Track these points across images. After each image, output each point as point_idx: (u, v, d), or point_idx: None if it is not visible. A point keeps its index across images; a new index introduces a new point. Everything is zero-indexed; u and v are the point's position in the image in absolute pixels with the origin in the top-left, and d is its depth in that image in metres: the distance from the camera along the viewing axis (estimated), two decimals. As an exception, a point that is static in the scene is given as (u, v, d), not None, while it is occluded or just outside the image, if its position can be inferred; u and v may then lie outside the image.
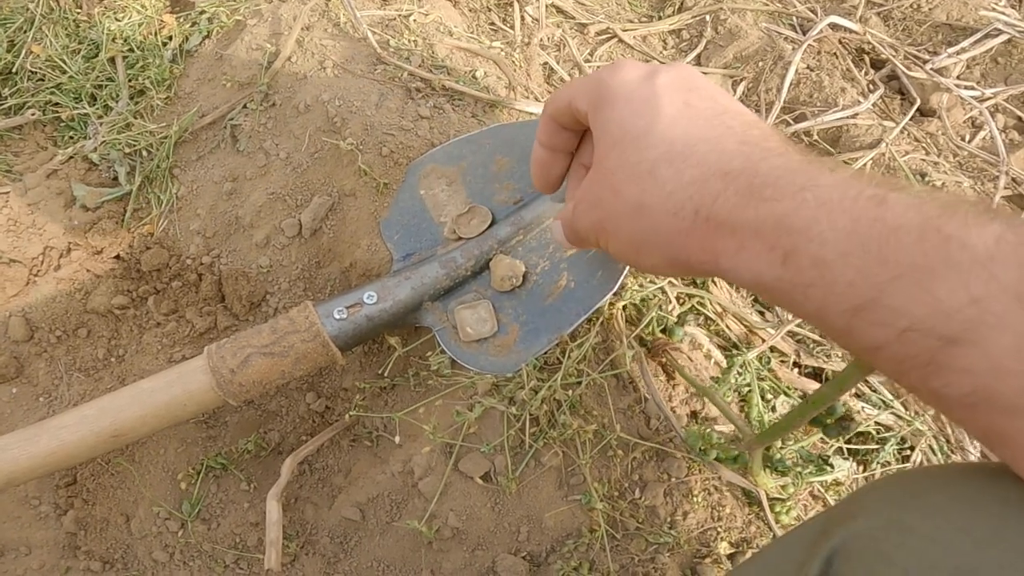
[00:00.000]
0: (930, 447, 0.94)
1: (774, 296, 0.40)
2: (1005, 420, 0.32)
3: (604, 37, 1.19)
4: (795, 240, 0.37)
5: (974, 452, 0.96)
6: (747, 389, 0.88)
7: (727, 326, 0.91)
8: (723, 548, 0.79)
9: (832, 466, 0.85)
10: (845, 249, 0.35)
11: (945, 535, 0.33)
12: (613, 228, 0.49)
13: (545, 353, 0.77)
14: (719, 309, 0.91)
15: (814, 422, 0.71)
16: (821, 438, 0.89)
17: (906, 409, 0.96)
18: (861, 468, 0.94)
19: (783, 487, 0.82)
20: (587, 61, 1.13)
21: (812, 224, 0.36)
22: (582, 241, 0.56)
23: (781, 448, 0.84)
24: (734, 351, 0.90)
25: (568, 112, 0.54)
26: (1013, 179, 1.12)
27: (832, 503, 0.89)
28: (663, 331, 0.85)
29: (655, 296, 0.84)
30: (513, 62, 1.00)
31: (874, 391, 0.96)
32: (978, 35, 1.24)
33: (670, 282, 0.86)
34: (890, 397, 0.95)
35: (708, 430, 0.79)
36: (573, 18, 1.19)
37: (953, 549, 0.32)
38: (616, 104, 0.47)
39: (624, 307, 0.82)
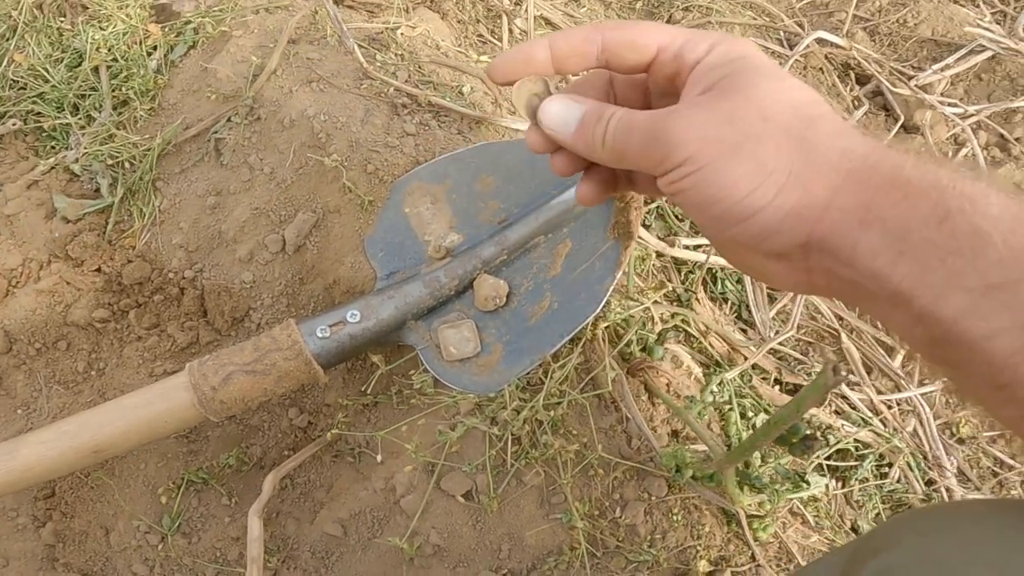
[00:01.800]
0: (907, 464, 0.96)
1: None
2: None
3: (592, 49, 1.18)
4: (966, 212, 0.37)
5: (951, 469, 0.97)
6: (728, 407, 0.88)
7: (710, 344, 0.92)
8: (702, 566, 0.79)
9: (808, 483, 0.86)
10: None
11: (977, 569, 0.34)
12: (750, 149, 0.41)
13: (528, 373, 0.77)
14: (703, 327, 0.91)
15: (780, 441, 0.72)
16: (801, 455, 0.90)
17: (884, 426, 0.97)
18: (840, 484, 0.95)
19: (760, 504, 0.83)
20: (575, 74, 1.13)
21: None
22: (646, 157, 0.45)
23: (760, 466, 0.85)
24: (716, 369, 0.91)
25: (643, 45, 0.47)
26: (994, 197, 1.13)
27: (811, 520, 0.90)
28: (643, 350, 0.85)
29: (638, 316, 0.85)
30: (500, 76, 1.00)
31: (854, 408, 0.97)
32: (962, 51, 1.25)
33: (655, 301, 0.86)
34: (869, 415, 0.96)
35: (682, 450, 0.80)
36: (561, 30, 1.19)
37: None
38: (766, 66, 0.43)
39: (607, 327, 0.82)
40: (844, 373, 0.41)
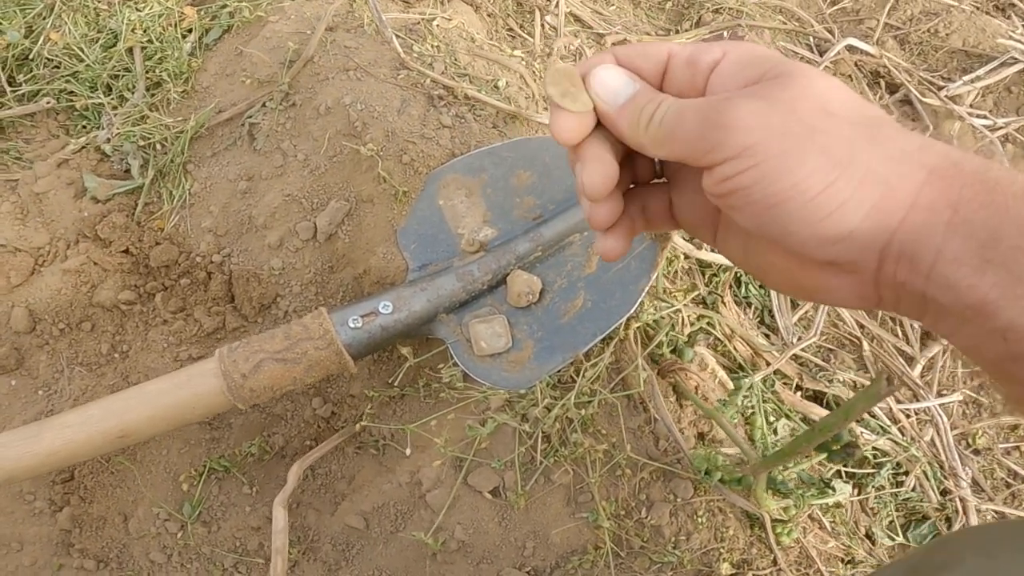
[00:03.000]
0: (924, 473, 0.96)
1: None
2: None
3: (622, 48, 1.18)
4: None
5: (966, 480, 0.97)
6: (751, 411, 0.88)
7: (734, 347, 0.91)
8: (725, 569, 0.79)
9: (834, 489, 0.86)
10: None
11: None
12: (821, 141, 0.37)
13: (559, 371, 0.77)
14: (727, 331, 0.91)
15: (820, 448, 0.72)
16: (819, 461, 0.90)
17: (902, 435, 0.97)
18: (856, 491, 0.95)
19: (785, 509, 0.82)
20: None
21: None
22: (698, 142, 0.40)
23: (784, 471, 0.85)
24: (740, 373, 0.90)
25: (663, 54, 0.45)
26: (1019, 211, 1.13)
27: (828, 526, 0.90)
28: (673, 351, 0.85)
29: (668, 317, 0.85)
30: (534, 72, 0.99)
31: (873, 417, 0.97)
32: (994, 63, 1.25)
33: (685, 304, 0.86)
34: (888, 423, 0.97)
35: (713, 452, 0.80)
36: (591, 28, 1.18)
37: None
38: (782, 58, 0.41)
39: (638, 328, 0.82)
40: (896, 383, 0.40)
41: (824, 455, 0.66)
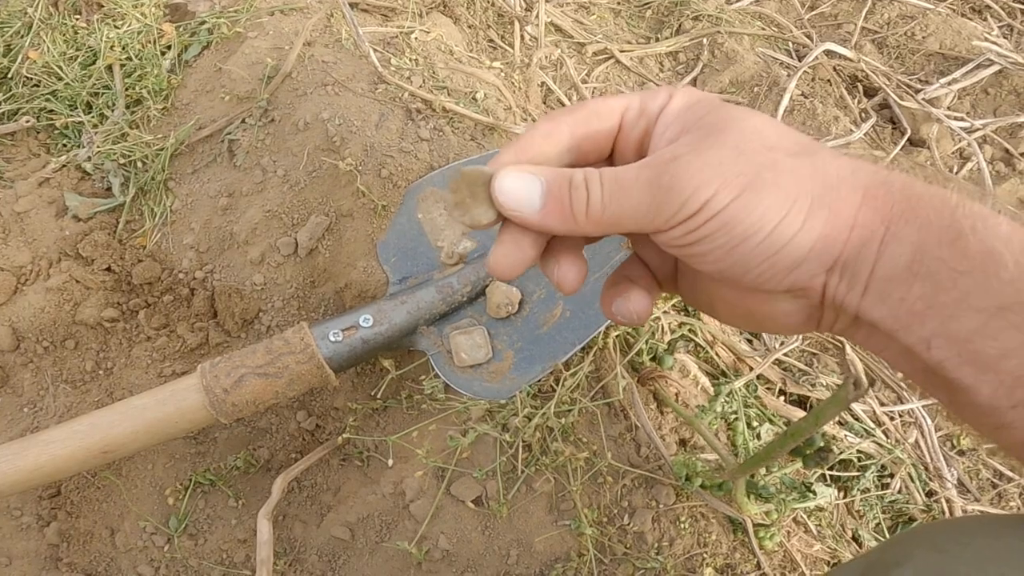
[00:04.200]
0: (909, 475, 0.96)
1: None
2: None
3: (602, 58, 1.19)
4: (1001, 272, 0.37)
5: (951, 480, 0.98)
6: (734, 416, 0.89)
7: (716, 354, 0.92)
8: (708, 574, 0.80)
9: (815, 493, 0.87)
10: None
11: None
12: (770, 178, 0.38)
13: (539, 380, 0.77)
14: (709, 337, 0.92)
15: (794, 452, 0.73)
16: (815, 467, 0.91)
17: (887, 437, 0.97)
18: (841, 494, 0.95)
19: (767, 514, 0.83)
20: (584, 82, 1.13)
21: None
22: (653, 213, 0.40)
23: (765, 475, 0.86)
24: (723, 379, 0.91)
25: (611, 111, 0.44)
26: (998, 211, 1.14)
27: (814, 529, 0.90)
28: (653, 359, 0.86)
29: (647, 325, 0.85)
30: (512, 83, 1.00)
31: (857, 420, 0.97)
32: (970, 65, 1.26)
33: (664, 311, 0.87)
34: (872, 426, 0.97)
35: (693, 459, 0.80)
36: (572, 37, 1.19)
37: None
38: (717, 103, 0.41)
39: (617, 336, 0.82)
40: (865, 387, 0.41)
41: (799, 460, 0.67)
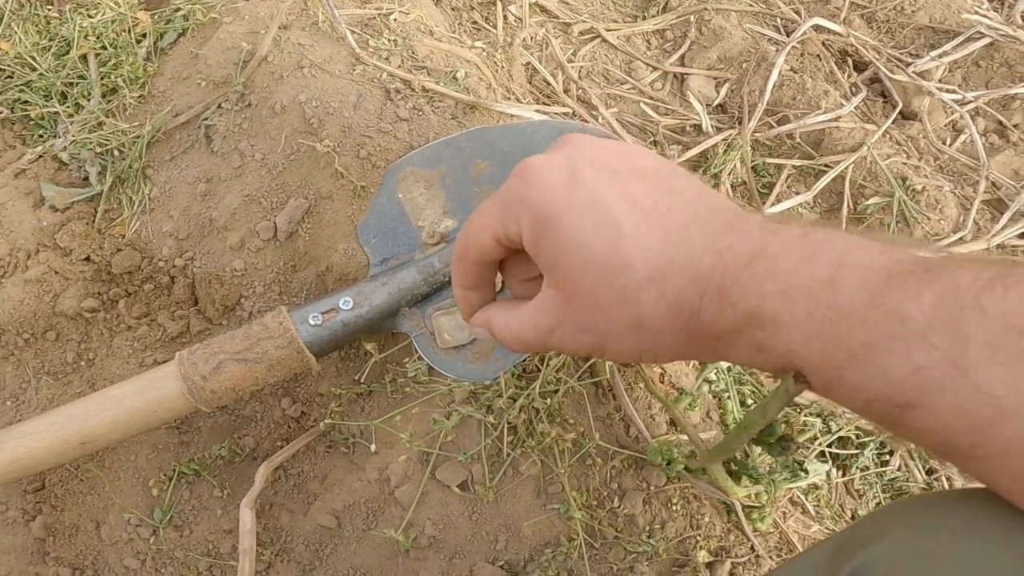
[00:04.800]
0: (908, 453, 0.95)
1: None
2: (974, 466, 0.35)
3: (588, 37, 1.18)
4: (766, 335, 0.39)
5: (951, 458, 0.96)
6: (726, 395, 0.87)
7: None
8: (702, 557, 0.78)
9: (807, 471, 0.85)
10: (806, 337, 0.38)
11: (968, 563, 0.33)
12: (615, 345, 0.46)
13: (524, 361, 0.76)
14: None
15: (757, 442, 0.71)
16: (804, 442, 0.90)
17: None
18: (841, 473, 0.94)
19: (756, 495, 0.81)
20: (570, 61, 1.12)
21: (776, 319, 0.39)
22: (544, 349, 0.52)
23: (759, 455, 0.84)
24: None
25: (494, 248, 0.49)
26: (993, 183, 1.12)
27: (812, 510, 0.89)
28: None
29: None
30: (495, 62, 0.99)
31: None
32: (960, 38, 1.24)
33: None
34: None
35: (669, 443, 0.79)
36: (557, 17, 1.18)
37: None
38: (563, 221, 0.43)
39: (604, 314, 0.81)
40: (805, 381, 0.40)
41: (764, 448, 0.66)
